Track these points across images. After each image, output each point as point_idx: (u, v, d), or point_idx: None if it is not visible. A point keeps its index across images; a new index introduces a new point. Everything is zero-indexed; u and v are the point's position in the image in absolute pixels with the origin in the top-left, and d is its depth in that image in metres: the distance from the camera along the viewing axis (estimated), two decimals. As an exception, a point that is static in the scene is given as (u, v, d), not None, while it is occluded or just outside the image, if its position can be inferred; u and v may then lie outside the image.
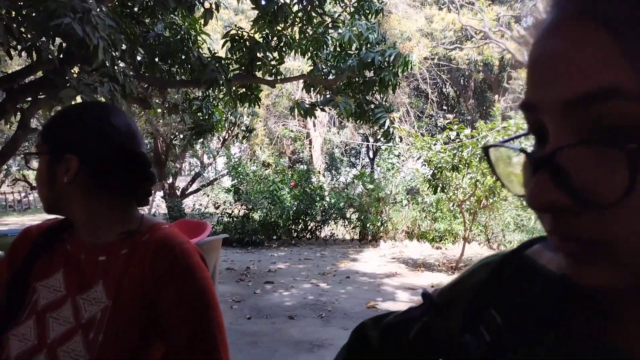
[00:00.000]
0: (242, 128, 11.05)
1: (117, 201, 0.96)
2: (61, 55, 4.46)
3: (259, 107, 6.53)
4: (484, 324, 0.46)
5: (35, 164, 1.02)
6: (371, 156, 17.43)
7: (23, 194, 17.36)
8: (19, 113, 4.84)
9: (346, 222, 10.20)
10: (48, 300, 0.90)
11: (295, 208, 9.54)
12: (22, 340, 0.86)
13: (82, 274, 0.91)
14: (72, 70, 4.64)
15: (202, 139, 8.79)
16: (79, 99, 4.40)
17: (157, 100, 7.32)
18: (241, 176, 9.82)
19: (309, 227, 10.15)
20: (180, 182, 13.69)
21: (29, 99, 4.95)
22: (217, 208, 10.23)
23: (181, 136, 10.83)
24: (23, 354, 0.85)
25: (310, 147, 14.90)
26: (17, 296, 0.91)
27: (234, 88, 5.78)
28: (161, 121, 10.35)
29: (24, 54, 4.10)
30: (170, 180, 12.30)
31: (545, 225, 0.33)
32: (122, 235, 0.93)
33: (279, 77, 5.88)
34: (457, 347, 0.48)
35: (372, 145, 16.46)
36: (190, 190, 13.17)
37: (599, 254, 0.30)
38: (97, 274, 0.90)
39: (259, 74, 5.62)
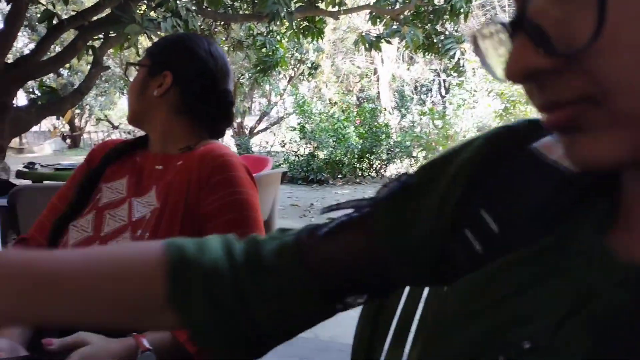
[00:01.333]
0: (307, 65, 10.90)
1: (192, 125, 1.05)
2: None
3: (322, 40, 6.35)
4: (471, 228, 0.39)
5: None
6: (443, 93, 16.73)
7: (106, 133, 18.45)
8: (90, 51, 4.99)
9: (412, 160, 9.99)
10: (109, 200, 1.01)
11: (360, 146, 9.45)
12: (80, 230, 0.97)
13: (141, 180, 1.02)
14: (138, 6, 4.68)
15: (267, 77, 8.77)
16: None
17: (222, 38, 7.31)
18: (307, 114, 9.79)
19: (374, 166, 10.05)
20: (249, 121, 13.91)
21: (100, 36, 5.09)
22: (283, 146, 10.35)
23: (248, 75, 10.88)
24: (79, 243, 0.95)
25: (377, 84, 14.51)
26: (86, 195, 1.02)
27: (296, 21, 5.63)
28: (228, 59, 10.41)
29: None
30: (238, 119, 12.54)
31: (535, 101, 0.30)
32: (182, 149, 1.03)
33: (342, 9, 5.65)
34: (425, 251, 0.42)
35: (444, 81, 15.74)
36: (258, 128, 13.38)
37: (591, 116, 0.27)
38: (152, 180, 1.00)
39: (321, 5, 5.42)
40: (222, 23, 6.33)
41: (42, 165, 3.64)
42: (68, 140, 17.43)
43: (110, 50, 5.83)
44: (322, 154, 9.63)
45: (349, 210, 0.48)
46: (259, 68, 7.41)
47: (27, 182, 3.46)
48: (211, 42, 1.08)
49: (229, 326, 0.44)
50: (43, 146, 15.75)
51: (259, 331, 0.45)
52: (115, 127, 18.32)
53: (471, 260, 0.37)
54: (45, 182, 2.90)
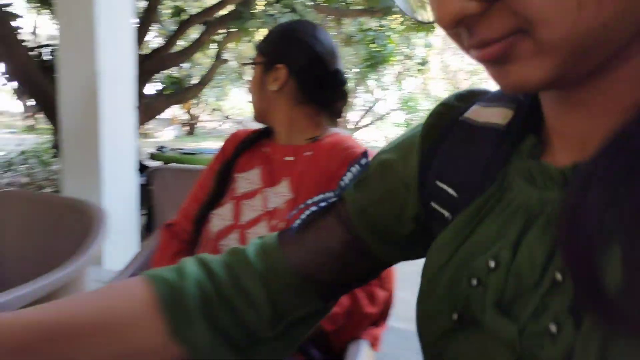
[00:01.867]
0: (415, 60, 10.72)
1: (313, 112, 1.06)
2: (249, -12, 4.73)
3: (433, 35, 6.21)
4: (435, 199, 0.44)
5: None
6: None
7: (219, 123, 19.61)
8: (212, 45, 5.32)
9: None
10: (245, 190, 1.05)
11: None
12: (222, 219, 1.03)
13: (272, 171, 1.05)
14: (258, 3, 4.91)
15: (375, 72, 8.76)
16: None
17: (333, 32, 7.42)
18: (412, 111, 9.65)
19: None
20: (353, 116, 14.01)
21: (222, 31, 5.41)
22: (387, 141, 10.30)
23: (354, 69, 10.95)
24: (222, 230, 1.01)
25: (488, 82, 13.85)
26: (223, 183, 1.08)
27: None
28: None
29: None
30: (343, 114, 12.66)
31: (464, 43, 0.32)
32: (308, 140, 1.04)
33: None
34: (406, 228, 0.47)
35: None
36: (361, 123, 13.43)
37: (520, 47, 0.29)
38: (283, 171, 1.03)
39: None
40: (335, 18, 6.44)
41: (171, 149, 3.97)
42: (186, 128, 18.76)
43: (229, 44, 6.17)
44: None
45: (319, 203, 0.50)
46: (368, 63, 7.44)
47: (158, 163, 3.81)
48: (315, 26, 1.08)
49: (232, 341, 0.45)
50: (164, 132, 17.13)
51: (259, 337, 0.46)
52: (227, 117, 19.38)
53: (444, 227, 0.42)
54: (172, 164, 3.18)
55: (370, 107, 13.97)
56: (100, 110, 2.47)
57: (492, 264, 0.36)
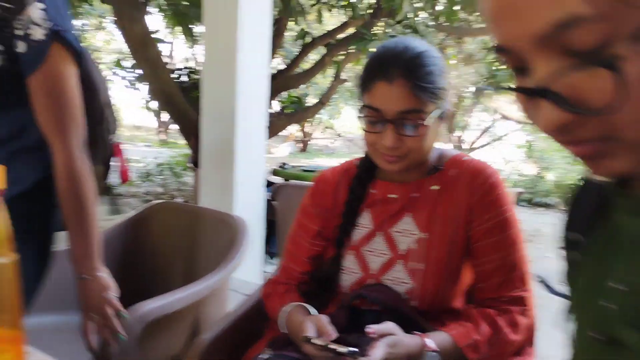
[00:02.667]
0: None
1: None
2: (371, 11, 4.82)
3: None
4: (566, 248, 0.55)
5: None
6: None
7: (331, 141, 20.09)
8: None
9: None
10: (360, 236, 1.00)
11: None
12: (349, 273, 0.98)
13: (390, 210, 0.98)
14: (378, 25, 4.98)
15: (496, 91, 8.42)
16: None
17: (451, 51, 7.28)
18: (536, 132, 9.09)
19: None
20: (468, 136, 13.54)
21: (342, 52, 5.56)
22: (506, 164, 9.81)
23: (472, 88, 10.61)
24: (355, 283, 0.98)
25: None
26: (345, 235, 1.01)
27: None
28: (454, 72, 10.32)
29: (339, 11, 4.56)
30: (458, 133, 12.32)
31: (563, 142, 0.39)
32: (430, 172, 0.98)
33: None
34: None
35: None
36: (478, 144, 12.94)
37: (609, 148, 0.37)
38: (406, 208, 0.97)
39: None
40: (456, 37, 6.32)
41: (292, 166, 4.15)
42: (299, 145, 19.47)
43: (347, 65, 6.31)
44: (551, 175, 8.82)
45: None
46: (488, 82, 7.17)
47: (279, 179, 3.99)
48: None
49: None
50: (280, 148, 17.94)
51: None
52: (338, 135, 19.79)
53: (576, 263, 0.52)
54: (293, 181, 3.32)
55: (488, 128, 13.41)
56: (237, 128, 2.66)
57: (622, 287, 0.43)
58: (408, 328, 0.86)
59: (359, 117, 0.94)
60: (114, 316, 0.97)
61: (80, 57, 0.94)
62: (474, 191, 0.94)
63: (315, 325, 0.86)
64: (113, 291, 0.98)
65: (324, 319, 0.88)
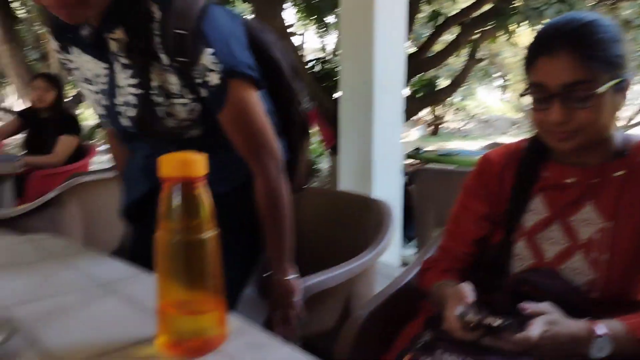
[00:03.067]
0: None
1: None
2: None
3: None
4: None
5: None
6: None
7: (463, 123, 19.31)
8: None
9: None
10: (532, 222, 0.96)
11: None
12: (520, 260, 0.95)
13: (567, 197, 0.93)
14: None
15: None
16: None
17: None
18: None
19: None
20: (623, 111, 12.09)
21: (477, 31, 5.31)
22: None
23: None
24: (523, 272, 0.94)
25: None
26: (516, 220, 0.97)
27: None
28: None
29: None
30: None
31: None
32: (614, 156, 0.92)
33: None
34: None
35: None
36: (635, 120, 11.50)
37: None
38: (587, 196, 0.92)
39: None
40: (610, 3, 5.67)
41: (425, 151, 4.11)
42: (430, 128, 19.04)
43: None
44: None
45: None
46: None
47: (414, 163, 3.98)
48: None
49: None
50: (410, 133, 17.73)
51: None
52: (472, 117, 18.96)
53: None
54: (431, 165, 3.28)
55: (648, 102, 11.83)
56: (375, 113, 2.72)
57: None
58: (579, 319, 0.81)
59: (523, 94, 0.91)
60: (295, 318, 1.07)
61: (258, 84, 1.00)
62: None
63: (457, 296, 0.86)
64: (298, 295, 1.07)
65: (465, 285, 0.87)
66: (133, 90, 1.00)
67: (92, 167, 3.58)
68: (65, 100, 3.11)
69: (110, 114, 1.07)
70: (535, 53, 0.88)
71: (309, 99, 1.18)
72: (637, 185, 0.89)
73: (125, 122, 1.04)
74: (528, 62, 0.90)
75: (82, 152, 3.37)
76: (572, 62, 0.83)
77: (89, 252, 1.12)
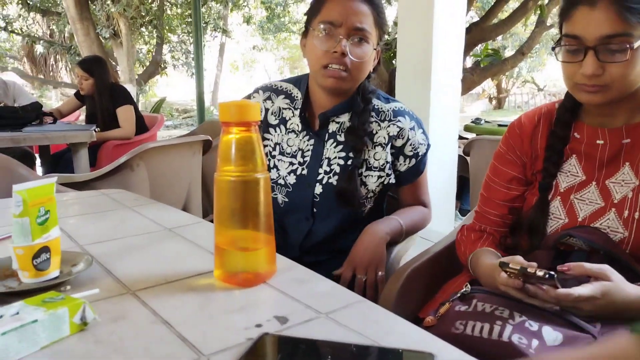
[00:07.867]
0: None
1: None
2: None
3: None
4: None
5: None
6: None
7: (530, 96, 18.44)
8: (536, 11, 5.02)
9: None
10: (568, 184, 0.96)
11: None
12: (554, 219, 0.95)
13: (601, 158, 0.93)
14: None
15: None
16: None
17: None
18: None
19: None
20: None
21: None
22: None
23: None
24: (555, 231, 0.94)
25: None
26: (550, 183, 0.97)
27: None
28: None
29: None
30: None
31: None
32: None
33: None
34: None
35: None
36: None
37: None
38: (622, 157, 0.92)
39: None
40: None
41: (485, 121, 4.01)
42: (494, 102, 18.35)
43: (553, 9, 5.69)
44: None
45: None
46: None
47: (472, 134, 3.89)
48: None
49: None
50: (471, 106, 17.17)
51: None
52: (540, 90, 18.05)
53: None
54: (488, 136, 3.20)
55: None
56: (432, 83, 2.69)
57: None
58: (621, 274, 0.79)
59: (555, 47, 0.90)
60: (381, 281, 1.12)
61: None
62: None
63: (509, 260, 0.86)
64: (383, 264, 1.14)
65: (518, 257, 0.87)
66: (341, 162, 1.18)
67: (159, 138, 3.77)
68: (109, 79, 3.26)
69: (299, 182, 1.19)
70: (574, 2, 0.86)
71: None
72: None
73: (317, 190, 1.18)
74: (564, 13, 0.88)
75: (144, 124, 3.56)
76: (611, 14, 0.81)
77: (156, 204, 1.23)
